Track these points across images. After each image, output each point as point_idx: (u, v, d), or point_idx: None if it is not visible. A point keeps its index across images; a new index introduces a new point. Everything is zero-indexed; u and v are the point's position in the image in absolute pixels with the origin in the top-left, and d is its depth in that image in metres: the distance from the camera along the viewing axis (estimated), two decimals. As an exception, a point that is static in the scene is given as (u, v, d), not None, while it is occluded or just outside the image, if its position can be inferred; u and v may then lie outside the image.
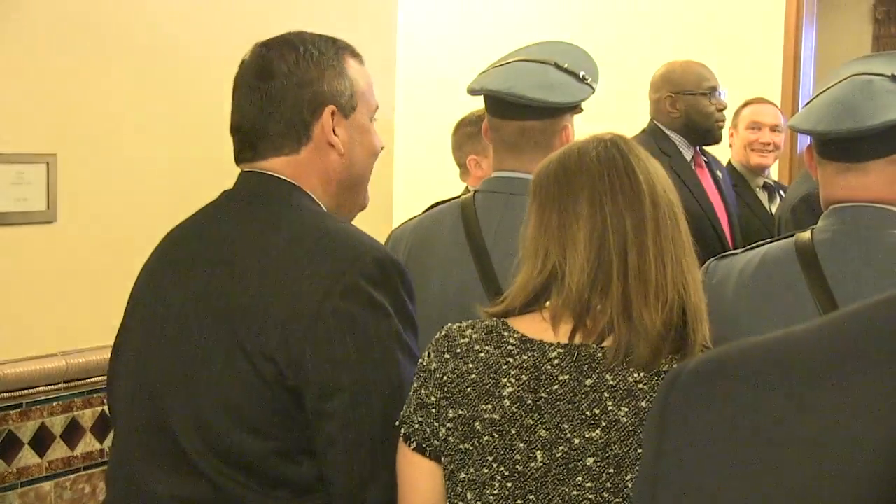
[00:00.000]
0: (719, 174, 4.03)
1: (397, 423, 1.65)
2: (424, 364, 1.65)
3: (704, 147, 4.00)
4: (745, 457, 0.64)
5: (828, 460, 0.61)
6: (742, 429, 0.66)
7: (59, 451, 2.88)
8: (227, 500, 1.69)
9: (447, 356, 1.62)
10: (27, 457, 2.82)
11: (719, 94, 3.91)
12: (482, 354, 1.61)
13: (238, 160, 1.86)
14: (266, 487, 1.69)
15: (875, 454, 0.59)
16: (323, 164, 1.82)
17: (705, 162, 3.99)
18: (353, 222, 1.87)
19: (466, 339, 1.63)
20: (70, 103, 2.87)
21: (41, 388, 2.83)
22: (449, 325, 1.67)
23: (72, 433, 2.91)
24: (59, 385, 2.87)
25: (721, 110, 3.90)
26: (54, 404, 2.87)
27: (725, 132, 4.09)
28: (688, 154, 3.89)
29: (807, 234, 2.00)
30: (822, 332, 0.68)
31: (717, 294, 2.01)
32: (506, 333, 1.62)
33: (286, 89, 1.79)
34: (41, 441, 2.85)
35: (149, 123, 3.04)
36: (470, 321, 1.67)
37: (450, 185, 3.59)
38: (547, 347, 1.59)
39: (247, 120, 1.82)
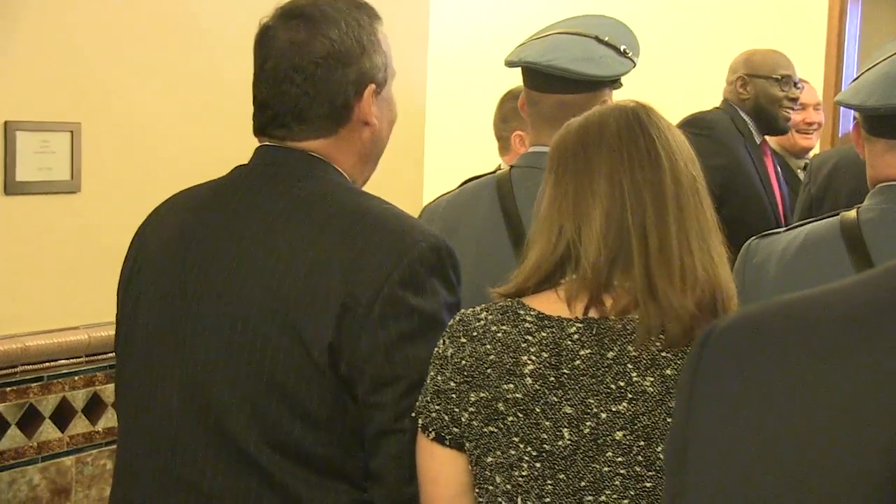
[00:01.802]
0: (779, 169, 4.00)
1: (413, 415, 1.61)
2: (440, 351, 1.61)
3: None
4: (777, 420, 0.62)
5: (863, 426, 0.58)
6: (775, 390, 0.63)
7: (80, 425, 2.85)
8: (282, 493, 1.62)
9: (463, 340, 1.59)
10: (48, 431, 2.79)
11: (797, 86, 3.88)
12: (499, 334, 1.57)
13: (263, 134, 1.76)
14: (324, 479, 1.63)
15: None
16: (355, 143, 1.76)
17: (770, 153, 3.98)
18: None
19: (482, 322, 1.59)
20: (95, 71, 2.83)
21: (63, 362, 2.81)
22: (463, 310, 1.64)
23: (93, 408, 2.88)
24: (82, 359, 2.84)
25: (793, 100, 3.87)
26: (76, 378, 2.84)
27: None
28: (757, 138, 3.87)
29: (852, 213, 1.95)
30: (857, 288, 0.65)
31: (758, 273, 1.97)
32: (521, 312, 1.58)
33: (330, 70, 1.70)
34: (62, 415, 2.82)
35: (174, 92, 3.00)
36: (484, 304, 1.63)
37: (480, 161, 3.53)
38: (565, 323, 1.56)
39: (284, 100, 1.71)
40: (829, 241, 1.93)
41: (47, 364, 2.77)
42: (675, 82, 4.35)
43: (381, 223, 1.66)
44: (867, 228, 1.90)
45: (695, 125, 3.60)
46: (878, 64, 1.97)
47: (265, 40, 1.74)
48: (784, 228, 2.09)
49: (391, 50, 1.81)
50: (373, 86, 1.73)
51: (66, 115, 2.79)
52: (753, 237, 2.08)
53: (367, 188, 1.81)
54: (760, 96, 3.83)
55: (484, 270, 2.20)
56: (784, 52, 4.08)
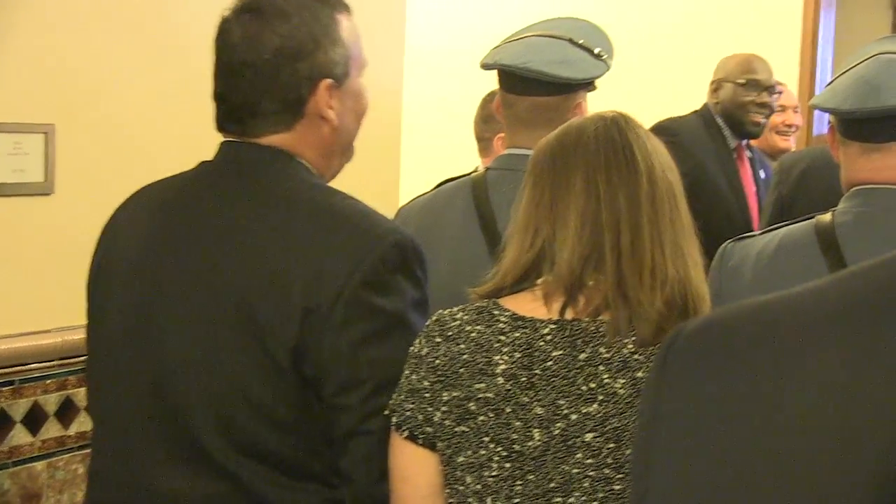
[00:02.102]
0: (761, 174, 3.98)
1: (386, 413, 1.60)
2: (415, 351, 1.60)
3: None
4: (744, 423, 0.61)
5: (831, 427, 0.57)
6: (741, 393, 0.62)
7: (52, 430, 2.83)
8: (251, 496, 1.61)
9: (438, 340, 1.58)
10: (19, 436, 2.77)
11: (770, 91, 3.87)
12: (473, 334, 1.57)
13: (222, 129, 1.75)
14: (294, 481, 1.62)
15: (884, 422, 0.56)
16: (315, 137, 1.72)
17: (749, 158, 3.96)
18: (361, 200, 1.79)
19: (458, 322, 1.59)
20: (69, 72, 2.81)
21: (34, 365, 2.78)
22: (440, 311, 1.63)
23: (66, 412, 2.86)
24: (54, 362, 2.81)
25: (762, 104, 3.86)
26: (48, 382, 2.81)
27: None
28: (731, 143, 3.87)
29: (827, 217, 1.96)
30: (829, 289, 0.64)
31: (733, 277, 1.98)
32: (496, 312, 1.58)
33: (280, 65, 1.67)
34: (34, 419, 2.80)
35: (149, 94, 2.98)
36: (461, 305, 1.62)
37: (457, 162, 3.52)
38: (538, 324, 1.56)
39: (236, 94, 1.70)
40: (805, 245, 1.93)
41: (19, 368, 2.75)
42: (649, 85, 4.35)
43: (343, 221, 1.64)
44: (842, 232, 1.91)
45: (661, 132, 3.54)
46: (852, 68, 1.98)
47: (221, 34, 1.73)
48: (759, 231, 2.09)
49: (360, 40, 1.77)
50: (328, 81, 1.69)
51: (39, 116, 2.77)
52: (729, 240, 2.09)
53: (343, 189, 1.79)
54: (728, 101, 3.84)
55: (459, 272, 2.20)
56: (759, 55, 4.09)
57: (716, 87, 3.87)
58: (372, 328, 1.60)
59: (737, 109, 3.84)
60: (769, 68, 3.96)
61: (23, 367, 2.75)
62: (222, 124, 1.75)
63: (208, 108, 1.78)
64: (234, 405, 1.60)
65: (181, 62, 3.03)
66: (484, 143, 3.48)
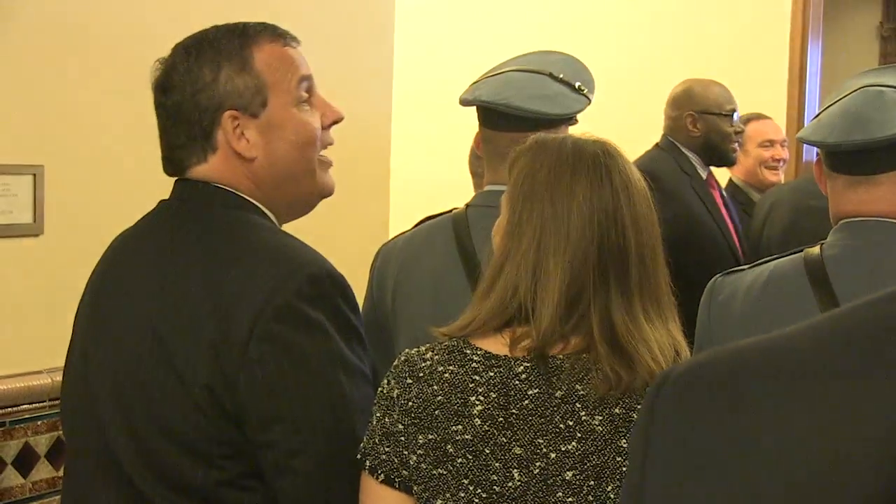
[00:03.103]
0: (724, 195, 4.00)
1: (359, 457, 1.58)
2: (385, 392, 1.58)
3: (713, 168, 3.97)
4: (734, 468, 0.61)
5: (823, 473, 0.57)
6: (731, 438, 0.62)
7: (43, 471, 2.81)
8: None
9: (409, 381, 1.56)
10: (10, 477, 2.75)
11: (736, 117, 3.88)
12: (446, 375, 1.55)
13: (165, 171, 1.80)
14: None
15: (878, 470, 0.55)
16: (237, 169, 1.71)
17: (716, 185, 3.96)
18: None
19: (428, 362, 1.57)
20: (57, 113, 2.81)
21: (25, 406, 2.77)
22: (407, 350, 1.61)
23: (57, 453, 2.84)
24: (45, 403, 2.80)
25: (739, 133, 3.89)
26: (39, 423, 2.80)
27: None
28: (703, 173, 3.86)
29: (816, 250, 1.95)
30: (818, 331, 0.64)
31: (724, 310, 1.97)
32: (468, 351, 1.57)
33: (182, 101, 1.70)
34: (25, 461, 2.78)
35: (137, 135, 2.97)
36: (428, 344, 1.61)
37: (448, 197, 3.52)
38: (513, 362, 1.55)
39: (161, 134, 1.75)
40: (794, 278, 1.93)
41: (10, 409, 2.73)
42: (637, 118, 4.36)
43: (257, 255, 1.62)
44: (830, 265, 1.91)
45: None
46: (838, 100, 1.98)
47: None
48: (748, 265, 2.08)
49: (293, 69, 1.74)
50: (232, 112, 1.69)
51: (28, 157, 2.76)
52: (719, 274, 2.08)
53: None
54: (712, 133, 3.81)
55: (442, 311, 2.18)
56: (746, 87, 4.11)
57: (693, 119, 3.81)
58: (290, 363, 1.56)
59: (722, 141, 3.82)
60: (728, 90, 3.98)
61: (13, 409, 2.74)
62: (163, 165, 1.79)
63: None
64: (156, 440, 1.61)
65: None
66: (478, 178, 3.47)
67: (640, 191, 1.62)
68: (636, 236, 1.58)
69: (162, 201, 1.79)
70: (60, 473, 2.83)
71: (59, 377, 2.77)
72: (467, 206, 2.34)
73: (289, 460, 1.57)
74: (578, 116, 2.31)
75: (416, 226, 2.45)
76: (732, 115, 3.85)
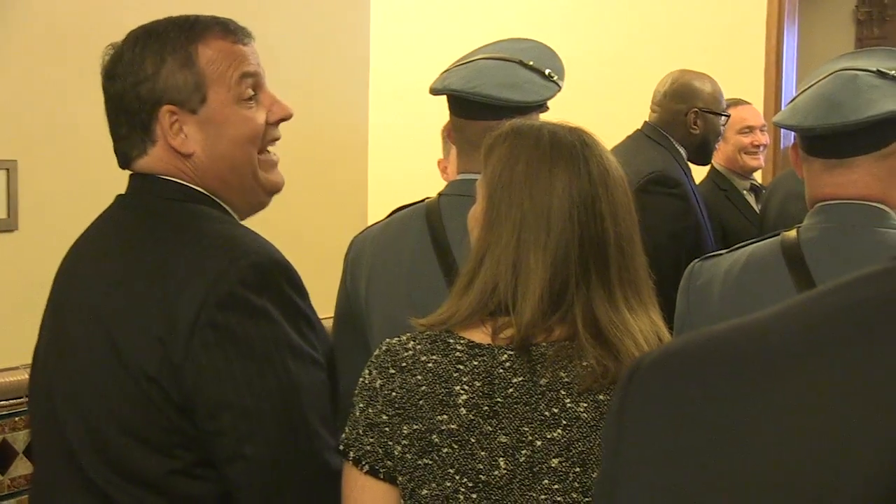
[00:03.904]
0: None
1: (342, 448, 1.58)
2: (367, 382, 1.57)
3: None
4: (707, 454, 0.61)
5: (797, 456, 0.57)
6: (703, 424, 0.62)
7: (21, 467, 2.80)
8: None
9: (392, 371, 1.55)
10: (-12, 474, 2.73)
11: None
12: (430, 364, 1.54)
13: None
14: None
15: (852, 449, 0.55)
16: (179, 164, 1.72)
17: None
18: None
19: (410, 352, 1.56)
20: (31, 108, 2.80)
21: (2, 403, 2.75)
22: (388, 339, 1.60)
23: (35, 449, 2.82)
24: (22, 399, 2.78)
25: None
26: (16, 419, 2.78)
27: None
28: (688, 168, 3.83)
29: (793, 233, 1.96)
30: (789, 316, 0.63)
31: (702, 295, 1.98)
32: (451, 341, 1.56)
33: (124, 90, 1.70)
34: (3, 457, 2.77)
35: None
36: (409, 334, 1.60)
37: (425, 186, 3.52)
38: (496, 351, 1.54)
39: (110, 126, 1.75)
40: (771, 262, 1.94)
41: (-14, 406, 2.72)
42: (614, 105, 4.36)
43: (202, 246, 1.63)
44: (807, 248, 1.91)
45: (665, 184, 3.47)
46: (814, 85, 1.99)
47: None
48: (727, 250, 2.08)
49: (237, 65, 1.73)
50: (169, 107, 1.69)
51: (1, 152, 2.74)
52: (697, 259, 2.09)
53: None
54: (710, 132, 3.74)
55: (416, 301, 2.18)
56: (724, 73, 4.09)
57: (696, 117, 3.69)
58: (235, 351, 1.57)
59: (714, 140, 3.79)
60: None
61: (-10, 406, 2.72)
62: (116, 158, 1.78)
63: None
64: (107, 431, 1.62)
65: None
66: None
67: (617, 179, 1.61)
68: (615, 227, 1.57)
69: (118, 196, 1.79)
70: (39, 470, 2.83)
71: (35, 373, 2.77)
72: (440, 195, 2.33)
73: (239, 447, 1.57)
74: (550, 103, 2.30)
75: (389, 216, 2.44)
76: (726, 116, 3.82)
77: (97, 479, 1.63)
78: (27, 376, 2.75)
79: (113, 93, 1.71)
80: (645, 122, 3.73)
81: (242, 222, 1.80)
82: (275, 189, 1.82)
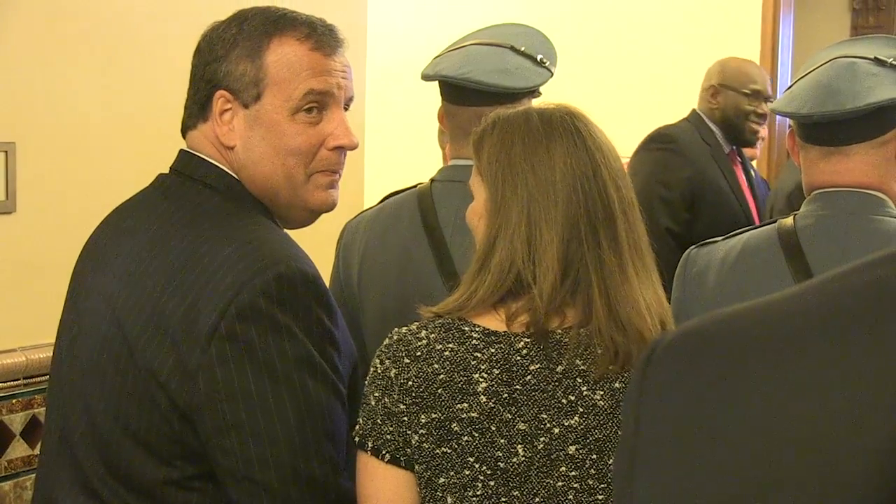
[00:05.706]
0: (752, 174, 3.98)
1: (357, 439, 1.54)
2: (380, 372, 1.54)
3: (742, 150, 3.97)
4: (725, 433, 0.61)
5: (814, 437, 0.57)
6: (721, 404, 0.62)
7: (18, 449, 2.80)
8: None
9: (407, 360, 1.52)
10: (-15, 456, 2.74)
11: (767, 101, 3.83)
12: (447, 353, 1.52)
13: None
14: None
15: (869, 432, 0.55)
16: (220, 152, 1.66)
17: (740, 162, 3.94)
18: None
19: (424, 341, 1.53)
20: (29, 90, 2.79)
21: (0, 385, 2.75)
22: (397, 329, 1.56)
23: (32, 431, 2.83)
24: (19, 381, 2.79)
25: (760, 115, 3.83)
26: (14, 401, 2.79)
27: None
28: (725, 148, 3.84)
29: (789, 221, 1.96)
30: (805, 297, 0.63)
31: (698, 283, 1.98)
32: (466, 329, 1.54)
33: (197, 65, 1.67)
34: (0, 440, 2.76)
35: (110, 111, 2.96)
36: (419, 322, 1.57)
37: (422, 170, 3.52)
38: (513, 338, 1.53)
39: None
40: (768, 249, 1.94)
41: (-16, 388, 2.72)
42: (610, 90, 4.36)
43: (231, 250, 1.54)
44: (804, 235, 1.91)
45: (658, 140, 3.63)
46: (810, 72, 1.99)
47: None
48: (723, 237, 2.08)
49: (305, 76, 1.65)
50: (223, 92, 1.64)
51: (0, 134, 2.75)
52: (693, 246, 2.09)
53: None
54: (729, 108, 3.78)
55: (407, 285, 2.18)
56: (753, 61, 4.08)
57: (713, 92, 3.79)
58: (252, 367, 1.49)
59: (737, 118, 3.79)
60: (766, 76, 3.94)
61: (-12, 387, 2.73)
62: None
63: (169, 125, 1.77)
64: (109, 428, 1.56)
65: (141, 79, 3.02)
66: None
67: (611, 150, 1.62)
68: (617, 193, 1.58)
69: (160, 174, 1.71)
70: (36, 452, 2.83)
71: (33, 355, 2.78)
72: (432, 180, 2.32)
73: (248, 470, 1.50)
74: (543, 89, 2.29)
75: (381, 201, 2.42)
76: (755, 95, 3.80)
77: (92, 477, 1.57)
78: (25, 358, 2.77)
79: (193, 65, 1.68)
80: None
81: None
82: (319, 209, 1.72)
